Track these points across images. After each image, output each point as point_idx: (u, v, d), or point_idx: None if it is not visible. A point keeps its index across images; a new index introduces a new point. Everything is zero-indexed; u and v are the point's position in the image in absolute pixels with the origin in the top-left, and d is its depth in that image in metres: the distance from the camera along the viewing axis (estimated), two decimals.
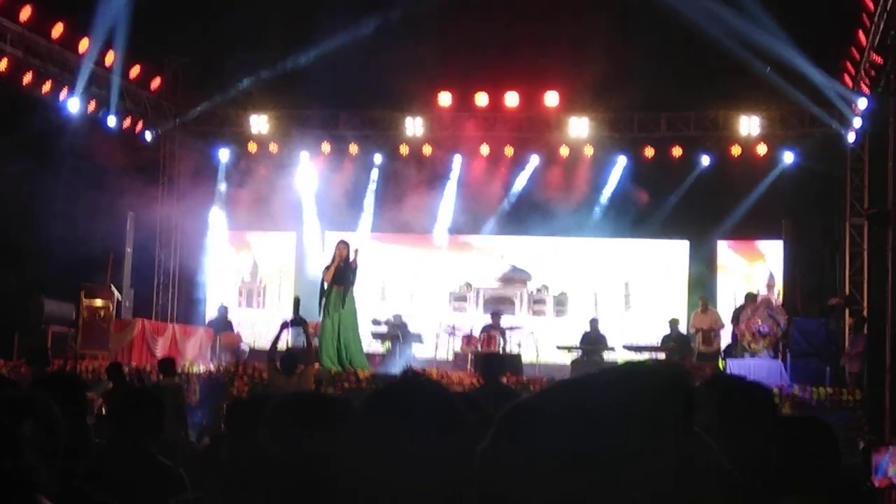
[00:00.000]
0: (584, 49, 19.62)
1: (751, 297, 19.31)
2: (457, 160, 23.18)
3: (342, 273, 17.02)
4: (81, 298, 18.19)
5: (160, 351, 18.20)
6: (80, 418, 4.73)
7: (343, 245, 17.28)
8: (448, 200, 23.07)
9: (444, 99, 21.90)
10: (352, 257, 17.01)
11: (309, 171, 23.35)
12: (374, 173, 23.11)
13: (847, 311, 19.66)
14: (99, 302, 18.27)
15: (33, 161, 17.41)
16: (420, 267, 23.42)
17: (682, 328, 20.42)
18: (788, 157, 21.54)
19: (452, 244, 23.55)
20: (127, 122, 21.86)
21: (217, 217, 23.21)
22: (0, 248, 17.28)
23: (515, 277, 23.53)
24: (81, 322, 18.00)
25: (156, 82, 21.90)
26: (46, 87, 19.52)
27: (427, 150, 22.66)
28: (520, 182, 22.94)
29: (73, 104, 19.97)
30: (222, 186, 23.13)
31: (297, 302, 17.32)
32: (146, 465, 5.37)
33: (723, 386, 3.53)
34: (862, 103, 19.37)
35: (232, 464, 4.09)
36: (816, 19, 18.31)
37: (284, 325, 14.73)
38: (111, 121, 21.12)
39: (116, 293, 18.88)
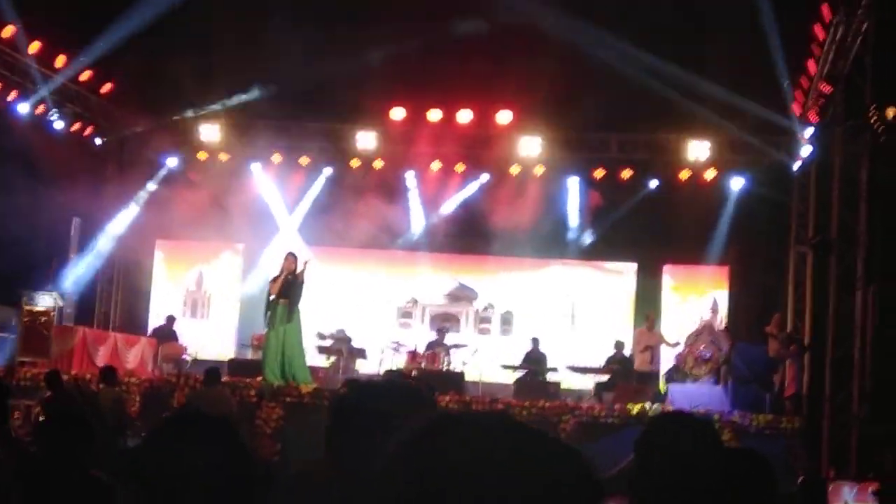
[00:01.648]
0: (538, 69, 19.68)
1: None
2: (408, 175, 23.14)
3: (289, 286, 16.96)
4: (22, 304, 17.96)
5: (101, 359, 18.00)
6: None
7: (291, 257, 17.23)
8: (397, 215, 23.01)
9: (397, 113, 21.85)
10: (299, 270, 16.95)
11: (259, 182, 23.21)
12: (321, 185, 22.98)
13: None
14: (40, 308, 18.03)
15: None
16: (366, 282, 23.33)
17: (627, 350, 20.52)
18: (736, 183, 21.71)
19: (400, 259, 23.48)
20: (75, 127, 21.65)
21: (163, 225, 22.97)
22: None
23: (462, 295, 23.53)
24: (22, 328, 17.76)
25: (106, 87, 21.68)
26: None
27: (378, 164, 22.59)
28: (470, 199, 22.94)
29: (23, 107, 19.76)
30: (170, 195, 22.91)
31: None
32: (77, 479, 5.35)
33: (667, 426, 3.53)
34: (809, 132, 19.58)
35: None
36: (767, 48, 18.48)
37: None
38: (58, 125, 20.90)
39: (58, 299, 18.64)
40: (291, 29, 18.91)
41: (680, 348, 19.18)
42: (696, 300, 22.47)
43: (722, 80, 19.10)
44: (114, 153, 22.46)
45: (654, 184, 22.23)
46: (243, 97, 21.04)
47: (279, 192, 23.08)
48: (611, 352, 20.39)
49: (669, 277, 22.79)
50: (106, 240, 22.24)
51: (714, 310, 22.19)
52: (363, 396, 2.43)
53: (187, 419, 2.86)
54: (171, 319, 21.65)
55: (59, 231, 20.46)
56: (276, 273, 17.36)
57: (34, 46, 19.26)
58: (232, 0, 19.84)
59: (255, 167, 23.11)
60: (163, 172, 22.87)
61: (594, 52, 18.95)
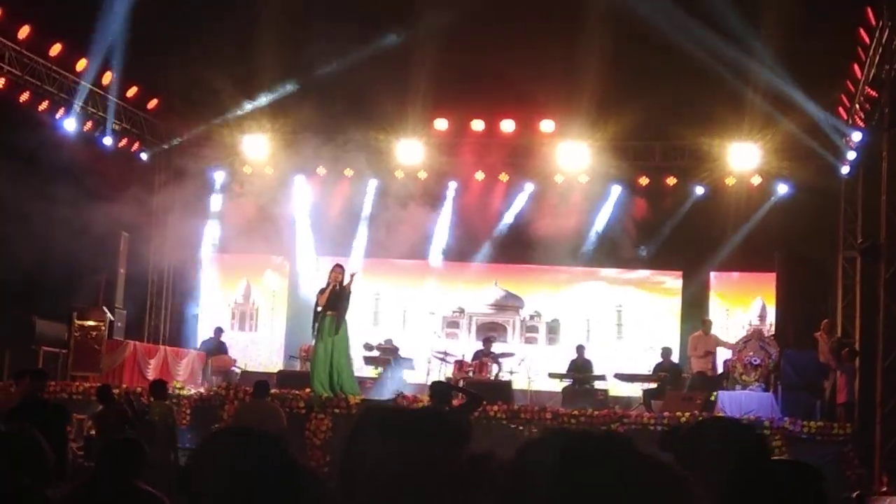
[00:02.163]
0: (580, 77, 19.63)
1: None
2: (452, 186, 23.20)
3: (336, 297, 17.04)
4: (73, 319, 18.17)
5: (151, 373, 18.18)
6: (61, 446, 4.76)
7: (338, 269, 17.30)
8: (443, 226, 23.09)
9: (441, 125, 21.91)
10: (346, 282, 17.02)
11: (304, 194, 23.36)
12: (369, 197, 23.10)
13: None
14: (91, 323, 18.24)
15: (29, 180, 17.42)
16: (413, 292, 23.42)
17: (675, 358, 20.44)
18: (783, 189, 21.58)
19: (446, 270, 23.55)
20: (123, 143, 21.93)
21: (211, 238, 23.18)
22: None
23: (508, 304, 23.54)
24: (73, 343, 17.97)
25: (152, 103, 21.96)
26: (43, 105, 19.58)
27: (422, 175, 22.68)
28: (514, 209, 22.96)
29: (70, 123, 20.04)
30: (217, 208, 23.12)
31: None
32: (127, 493, 5.46)
33: (716, 429, 3.53)
34: (856, 136, 19.42)
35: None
36: (813, 51, 18.35)
37: None
38: (107, 140, 21.18)
39: (108, 314, 18.85)
40: (334, 37, 19.05)
41: (730, 354, 19.08)
42: (743, 307, 22.33)
43: (769, 84, 18.97)
44: (161, 167, 22.65)
45: (699, 191, 22.14)
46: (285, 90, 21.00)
47: (324, 205, 23.17)
48: (658, 359, 20.30)
49: (716, 284, 22.66)
50: (154, 254, 22.43)
51: (762, 316, 22.06)
52: (372, 425, 2.50)
53: (235, 433, 2.93)
54: (219, 332, 21.84)
55: (109, 246, 20.65)
56: (324, 285, 17.44)
57: (81, 64, 19.54)
58: (273, 11, 19.91)
59: (299, 179, 23.28)
60: (209, 186, 23.05)
61: (637, 56, 18.93)
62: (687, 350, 19.40)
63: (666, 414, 17.05)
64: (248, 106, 21.58)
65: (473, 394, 12.90)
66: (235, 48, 19.78)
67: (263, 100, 21.43)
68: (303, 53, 19.92)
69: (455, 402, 12.31)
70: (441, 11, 18.58)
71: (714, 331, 20.30)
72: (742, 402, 17.22)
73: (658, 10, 17.63)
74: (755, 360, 18.20)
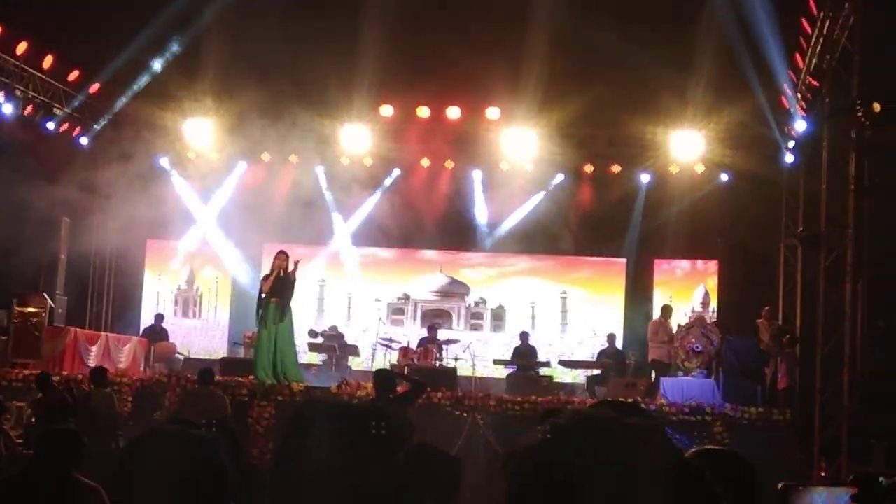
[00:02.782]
0: (526, 64, 19.65)
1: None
2: (397, 172, 23.16)
3: (280, 284, 16.94)
4: (13, 305, 17.94)
5: (93, 360, 18.00)
6: None
7: (282, 256, 17.18)
8: (387, 212, 23.02)
9: (386, 111, 21.84)
10: (290, 268, 16.93)
11: (248, 180, 23.20)
12: (314, 184, 22.97)
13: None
14: (31, 309, 18.02)
15: None
16: (358, 278, 23.36)
17: (619, 344, 20.55)
18: (726, 178, 21.76)
19: (391, 257, 23.53)
20: (64, 126, 21.65)
21: (153, 224, 22.95)
22: None
23: (453, 291, 23.56)
24: (13, 329, 17.74)
25: (94, 87, 21.63)
26: None
27: (368, 161, 22.61)
28: (459, 195, 22.96)
29: (8, 107, 19.76)
30: (160, 193, 22.89)
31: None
32: (65, 487, 5.42)
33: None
34: (799, 126, 19.61)
35: None
36: (756, 40, 18.49)
37: None
38: (50, 125, 20.94)
39: (49, 300, 18.63)
40: (279, 25, 18.92)
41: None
42: (686, 294, 22.52)
43: (711, 73, 19.10)
44: (103, 152, 22.36)
45: (644, 178, 22.30)
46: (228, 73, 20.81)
47: (269, 191, 23.01)
48: (602, 346, 20.41)
49: (659, 272, 22.84)
50: (96, 240, 22.19)
51: (704, 303, 22.27)
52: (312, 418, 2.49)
53: (167, 432, 2.92)
54: (159, 318, 21.70)
55: (50, 231, 20.41)
56: (268, 272, 17.34)
57: (21, 47, 19.27)
58: None
59: (243, 165, 23.12)
60: (153, 171, 22.79)
61: (584, 44, 18.97)
62: (647, 336, 19.32)
63: (609, 400, 17.14)
64: (190, 88, 21.32)
65: (417, 381, 12.94)
66: (178, 30, 19.62)
67: (207, 83, 21.19)
68: (247, 35, 19.73)
69: (399, 390, 12.31)
70: None
71: (657, 317, 20.40)
72: (684, 388, 17.37)
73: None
74: (697, 347, 18.35)
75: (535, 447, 1.81)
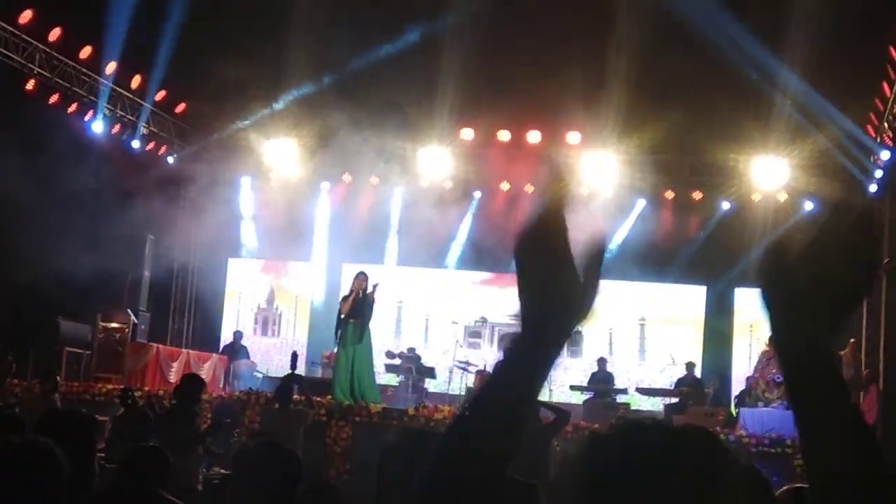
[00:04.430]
0: (607, 88, 19.58)
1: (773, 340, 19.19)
2: (476, 195, 23.20)
3: (359, 306, 17.04)
4: (97, 321, 18.25)
5: (174, 376, 18.23)
6: (87, 459, 4.76)
7: (362, 277, 17.29)
8: (466, 235, 23.07)
9: (467, 134, 21.90)
10: (369, 290, 17.02)
11: (329, 201, 23.40)
12: (394, 206, 23.11)
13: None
14: (115, 325, 18.32)
15: (56, 182, 17.51)
16: (436, 301, 23.41)
17: (698, 372, 20.33)
18: (809, 206, 21.47)
19: (469, 279, 23.53)
20: (150, 146, 22.04)
21: (235, 243, 23.25)
22: (19, 268, 17.34)
23: None
24: (96, 344, 18.04)
25: (180, 106, 22.04)
26: (72, 108, 19.69)
27: (448, 184, 22.68)
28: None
29: (98, 126, 20.15)
30: (242, 213, 23.18)
31: (294, 357, 17.46)
32: (144, 498, 5.48)
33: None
34: (885, 155, 19.32)
35: None
36: (841, 68, 18.25)
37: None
38: (135, 143, 21.31)
39: (132, 316, 18.93)
40: (362, 47, 19.08)
41: (751, 371, 18.98)
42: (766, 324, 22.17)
43: (797, 99, 18.87)
44: (187, 171, 22.70)
45: (725, 206, 22.08)
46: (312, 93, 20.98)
47: (349, 212, 23.19)
48: (682, 374, 20.21)
49: (740, 300, 22.53)
50: (179, 257, 22.51)
51: None
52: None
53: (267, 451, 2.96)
54: (238, 335, 21.94)
55: (134, 248, 20.75)
56: (347, 292, 17.46)
57: (110, 67, 19.65)
58: (301, 17, 19.83)
59: (325, 186, 23.33)
60: (235, 190, 23.11)
61: (665, 69, 18.85)
62: (754, 368, 19.00)
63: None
64: (276, 107, 21.56)
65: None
66: (262, 51, 19.84)
67: (289, 104, 21.42)
68: (330, 56, 19.88)
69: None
70: (470, 21, 18.57)
71: (737, 347, 20.19)
72: (764, 419, 17.12)
73: (689, 21, 17.60)
74: (778, 378, 18.08)
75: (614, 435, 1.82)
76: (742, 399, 19.11)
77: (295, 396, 14.31)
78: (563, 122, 21.38)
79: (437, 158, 21.96)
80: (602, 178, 21.67)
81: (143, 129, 21.52)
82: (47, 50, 18.50)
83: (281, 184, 22.85)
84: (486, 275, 23.41)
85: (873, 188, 20.40)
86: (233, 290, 23.90)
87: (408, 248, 22.57)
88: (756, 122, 19.78)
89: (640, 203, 22.47)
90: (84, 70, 19.48)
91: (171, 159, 22.72)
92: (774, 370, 18.14)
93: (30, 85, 18.62)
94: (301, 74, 20.42)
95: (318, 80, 20.61)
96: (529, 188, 22.66)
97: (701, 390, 19.68)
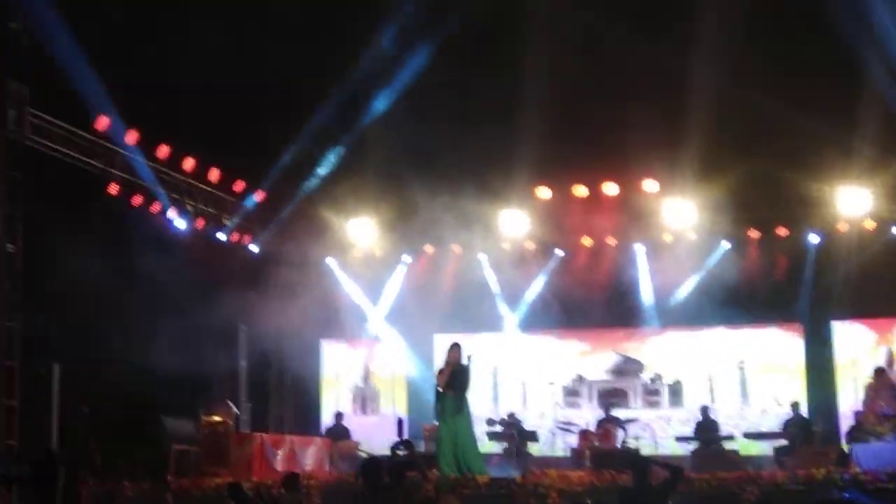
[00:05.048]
0: (682, 134, 19.50)
1: (879, 372, 18.88)
2: (559, 254, 23.16)
3: (456, 377, 16.99)
4: (200, 415, 18.42)
5: (280, 464, 18.31)
6: None
7: (456, 348, 17.26)
8: (554, 294, 23.01)
9: (543, 193, 21.88)
10: (464, 361, 16.99)
11: (413, 274, 23.51)
12: (480, 271, 23.15)
13: None
14: (217, 418, 18.46)
15: (144, 280, 17.83)
16: (531, 363, 23.33)
17: (804, 412, 19.98)
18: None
19: (562, 338, 23.44)
20: (234, 236, 22.35)
21: (327, 324, 23.40)
22: (118, 369, 17.64)
23: (627, 368, 23.30)
24: (202, 439, 18.19)
25: (259, 195, 22.31)
26: (155, 207, 20.05)
27: (529, 244, 22.69)
28: (625, 272, 22.80)
29: (180, 222, 20.48)
30: (330, 294, 23.35)
31: (399, 424, 17.47)
32: None
33: None
34: None
35: None
36: None
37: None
38: (220, 236, 21.64)
39: (233, 407, 19.09)
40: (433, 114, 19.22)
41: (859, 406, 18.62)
42: (870, 355, 21.79)
43: (875, 126, 18.62)
44: (273, 258, 22.95)
45: (813, 239, 21.78)
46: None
47: (434, 283, 23.28)
48: (788, 414, 19.88)
49: (839, 334, 22.15)
50: (273, 343, 22.70)
51: (889, 363, 21.50)
52: None
53: None
54: (339, 416, 22.04)
55: (228, 339, 21.00)
56: (442, 365, 17.45)
57: (188, 163, 20.01)
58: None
59: (407, 259, 23.47)
60: (322, 272, 23.32)
61: (740, 109, 18.74)
62: (862, 402, 18.66)
63: (800, 472, 16.62)
64: (350, 188, 21.72)
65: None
66: (337, 133, 20.08)
67: (369, 181, 21.55)
68: (406, 130, 19.95)
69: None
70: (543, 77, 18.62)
71: (842, 382, 19.81)
72: (879, 454, 16.71)
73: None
74: (887, 411, 17.73)
75: None
76: (853, 435, 18.71)
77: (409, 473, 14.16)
78: (639, 171, 21.28)
79: (516, 220, 21.94)
80: (683, 223, 21.50)
81: (225, 221, 21.84)
82: (123, 153, 18.90)
83: (365, 261, 23.01)
84: (580, 331, 23.29)
85: None
86: (329, 371, 24.05)
87: (498, 312, 22.55)
88: (835, 150, 19.51)
89: (725, 245, 22.24)
90: (163, 168, 19.85)
91: (254, 247, 22.99)
92: (882, 403, 17.80)
93: (113, 189, 18.98)
94: (376, 146, 20.48)
95: (393, 150, 20.69)
96: (611, 241, 22.58)
97: (809, 430, 19.33)
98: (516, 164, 20.54)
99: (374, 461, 12.74)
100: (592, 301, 22.78)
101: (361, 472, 13.24)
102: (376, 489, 11.95)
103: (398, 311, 23.23)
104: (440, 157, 20.08)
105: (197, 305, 18.90)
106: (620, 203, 21.89)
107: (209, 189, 21.11)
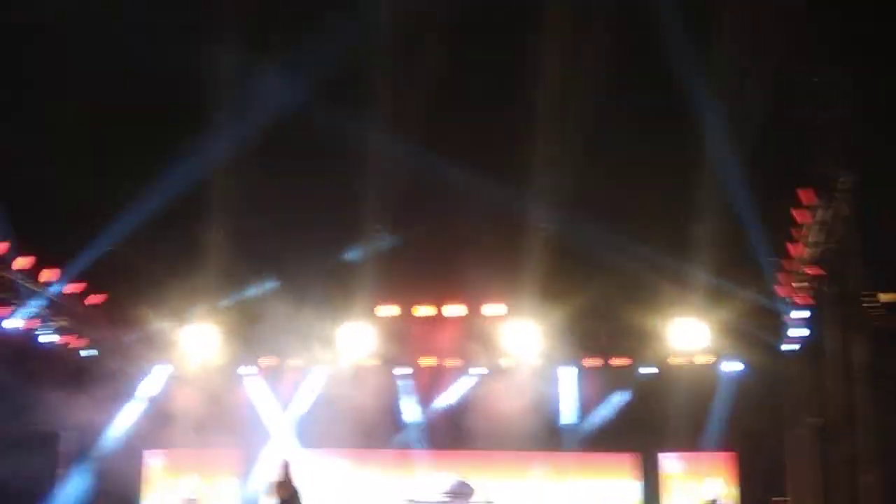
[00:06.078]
0: (527, 261, 19.77)
1: None
2: (399, 372, 23.03)
3: (285, 491, 16.59)
4: None
5: None
6: None
7: (284, 463, 16.91)
8: (390, 414, 22.79)
9: (385, 311, 21.81)
10: (289, 474, 16.63)
11: (249, 387, 23.05)
12: (312, 386, 22.83)
13: None
14: None
15: None
16: (360, 483, 22.97)
17: None
18: (730, 367, 21.65)
19: (394, 458, 23.18)
20: (61, 339, 21.57)
21: (153, 434, 22.64)
22: None
23: (461, 491, 23.02)
24: None
25: (93, 298, 21.57)
26: None
27: (369, 362, 22.49)
28: (463, 394, 22.78)
29: (9, 322, 19.77)
30: (160, 402, 22.68)
31: None
32: None
33: None
34: (797, 314, 19.60)
35: None
36: (747, 232, 18.66)
37: None
38: (47, 338, 20.91)
39: None
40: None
41: None
42: (696, 488, 22.10)
43: (710, 263, 19.20)
44: (102, 364, 22.18)
45: (647, 371, 22.16)
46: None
47: (271, 395, 22.86)
48: None
49: (668, 465, 22.47)
50: (96, 454, 21.88)
51: (715, 497, 21.83)
52: None
53: None
54: None
55: (48, 447, 20.19)
56: (273, 478, 17.02)
57: (22, 262, 19.33)
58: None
59: (244, 371, 23.01)
60: (150, 381, 22.67)
61: (583, 244, 19.12)
62: None
63: None
64: (190, 299, 21.27)
65: None
66: (177, 243, 19.69)
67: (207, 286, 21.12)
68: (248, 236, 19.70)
69: None
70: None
71: None
72: None
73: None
74: None
75: None
76: None
77: None
78: (483, 295, 21.43)
79: (357, 337, 21.74)
80: (525, 348, 21.62)
81: (52, 322, 21.09)
82: None
83: (200, 371, 22.45)
84: (412, 452, 23.05)
85: (790, 347, 20.66)
86: (153, 481, 23.20)
87: (331, 429, 22.18)
88: (672, 286, 20.02)
89: (564, 371, 22.45)
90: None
91: (83, 353, 22.23)
92: None
93: None
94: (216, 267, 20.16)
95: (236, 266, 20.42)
96: (452, 363, 22.58)
97: None
98: (361, 281, 20.52)
99: None
100: (428, 423, 22.69)
101: None
102: None
103: (232, 422, 22.57)
104: (285, 266, 19.94)
105: (17, 409, 18.17)
106: (463, 325, 21.96)
107: (38, 288, 20.29)
